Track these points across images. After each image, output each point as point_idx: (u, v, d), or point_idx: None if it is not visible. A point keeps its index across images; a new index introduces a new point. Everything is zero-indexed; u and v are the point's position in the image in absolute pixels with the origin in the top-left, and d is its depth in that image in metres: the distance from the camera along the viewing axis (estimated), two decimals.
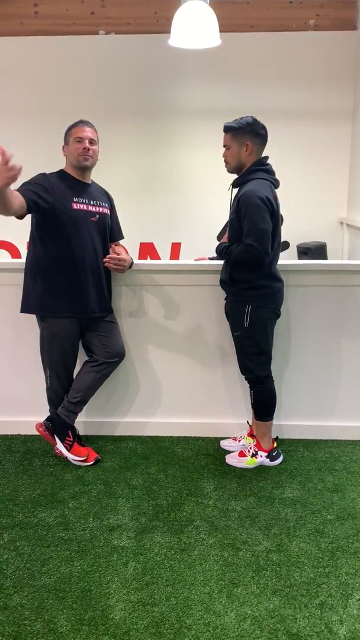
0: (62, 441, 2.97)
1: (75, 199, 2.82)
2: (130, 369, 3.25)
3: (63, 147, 2.90)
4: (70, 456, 2.97)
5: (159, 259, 5.31)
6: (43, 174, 2.83)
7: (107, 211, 2.98)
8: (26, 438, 3.27)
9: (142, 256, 5.32)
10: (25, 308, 2.93)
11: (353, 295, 3.13)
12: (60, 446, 2.97)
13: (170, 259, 5.31)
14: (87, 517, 2.53)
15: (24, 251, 5.17)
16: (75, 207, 2.81)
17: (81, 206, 2.83)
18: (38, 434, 3.08)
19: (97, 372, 2.98)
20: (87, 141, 2.83)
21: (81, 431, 3.20)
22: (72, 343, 2.94)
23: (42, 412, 3.14)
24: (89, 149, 2.83)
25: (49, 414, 3.07)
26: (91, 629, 1.93)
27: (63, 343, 2.91)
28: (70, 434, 2.98)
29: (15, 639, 1.90)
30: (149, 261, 4.69)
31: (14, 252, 5.18)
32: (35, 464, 3.00)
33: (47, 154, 4.98)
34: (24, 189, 2.69)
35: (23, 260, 2.97)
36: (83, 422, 3.24)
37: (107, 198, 3.04)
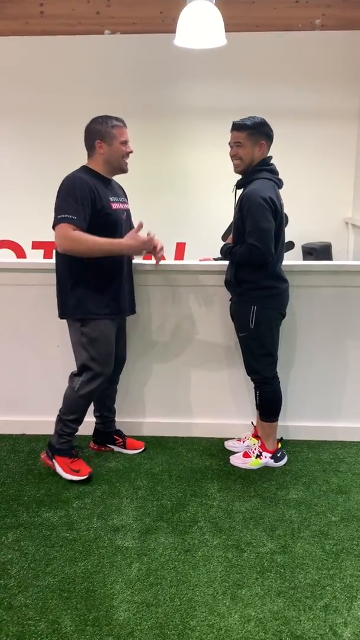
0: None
1: (112, 199, 2.74)
2: (135, 369, 3.25)
3: (98, 142, 2.71)
4: (130, 452, 3.12)
5: (164, 259, 5.29)
6: (83, 182, 2.63)
7: (129, 206, 2.92)
8: (31, 438, 3.27)
9: (147, 256, 5.31)
10: (64, 314, 2.78)
11: (359, 296, 3.11)
12: (117, 448, 3.14)
13: (175, 259, 5.31)
14: (92, 517, 2.54)
15: (29, 251, 5.19)
16: (114, 207, 2.73)
17: (117, 205, 2.76)
18: (43, 433, 3.08)
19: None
20: (130, 144, 2.77)
21: (86, 431, 3.19)
22: (113, 343, 2.82)
23: (46, 412, 3.14)
24: (131, 152, 2.77)
25: (55, 413, 3.02)
26: (95, 629, 1.93)
27: (108, 344, 2.77)
28: (116, 437, 3.16)
29: (19, 639, 1.90)
30: (153, 261, 4.69)
31: (19, 252, 5.18)
32: (40, 463, 3.00)
33: (52, 153, 5.02)
34: (82, 223, 2.58)
35: (27, 260, 2.96)
36: (88, 422, 3.23)
37: (124, 192, 2.96)
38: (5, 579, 2.17)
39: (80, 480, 2.80)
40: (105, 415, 3.10)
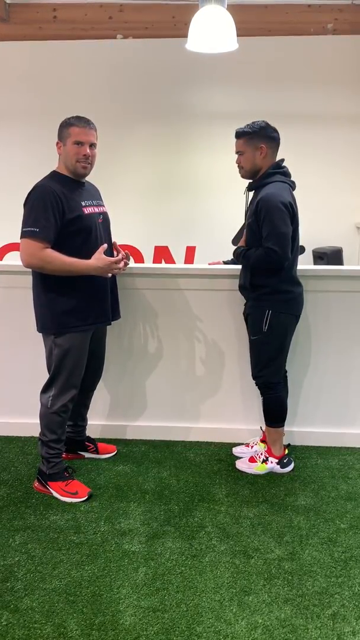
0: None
1: (84, 203, 2.60)
2: (144, 372, 3.25)
3: (57, 143, 2.60)
4: (103, 456, 3.08)
5: (174, 262, 5.31)
6: (49, 191, 2.49)
7: (106, 209, 2.77)
8: None
9: (156, 259, 5.33)
10: (43, 329, 2.69)
11: None
12: (90, 455, 3.08)
13: (185, 262, 5.31)
14: (99, 521, 2.53)
15: None
16: (86, 212, 2.60)
17: (90, 209, 2.62)
18: None
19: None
20: (87, 146, 2.54)
21: (95, 434, 3.20)
22: (85, 355, 2.73)
23: None
24: (88, 156, 2.56)
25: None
26: (101, 634, 1.92)
27: (79, 356, 2.68)
28: (88, 443, 3.08)
29: None
30: (163, 265, 4.70)
31: None
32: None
33: None
34: (46, 234, 2.46)
35: None
36: (93, 424, 3.24)
37: (99, 194, 2.82)
38: (11, 581, 2.17)
39: (80, 502, 2.66)
40: (79, 424, 3.02)
